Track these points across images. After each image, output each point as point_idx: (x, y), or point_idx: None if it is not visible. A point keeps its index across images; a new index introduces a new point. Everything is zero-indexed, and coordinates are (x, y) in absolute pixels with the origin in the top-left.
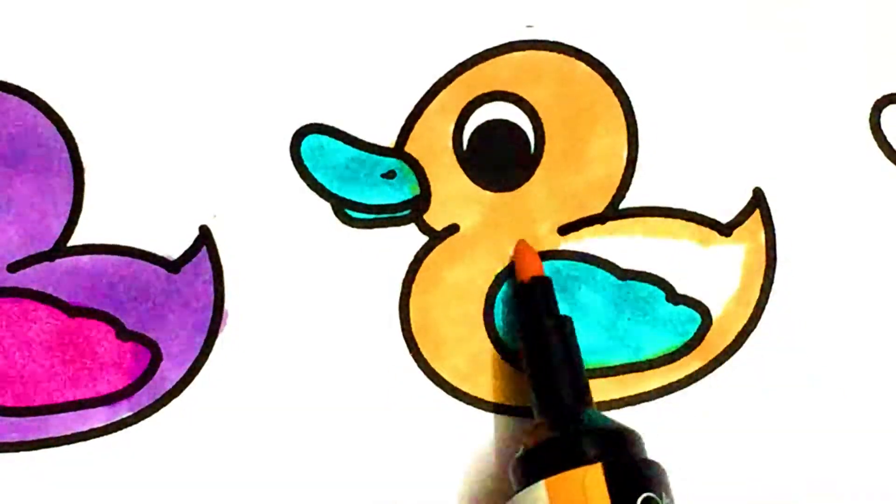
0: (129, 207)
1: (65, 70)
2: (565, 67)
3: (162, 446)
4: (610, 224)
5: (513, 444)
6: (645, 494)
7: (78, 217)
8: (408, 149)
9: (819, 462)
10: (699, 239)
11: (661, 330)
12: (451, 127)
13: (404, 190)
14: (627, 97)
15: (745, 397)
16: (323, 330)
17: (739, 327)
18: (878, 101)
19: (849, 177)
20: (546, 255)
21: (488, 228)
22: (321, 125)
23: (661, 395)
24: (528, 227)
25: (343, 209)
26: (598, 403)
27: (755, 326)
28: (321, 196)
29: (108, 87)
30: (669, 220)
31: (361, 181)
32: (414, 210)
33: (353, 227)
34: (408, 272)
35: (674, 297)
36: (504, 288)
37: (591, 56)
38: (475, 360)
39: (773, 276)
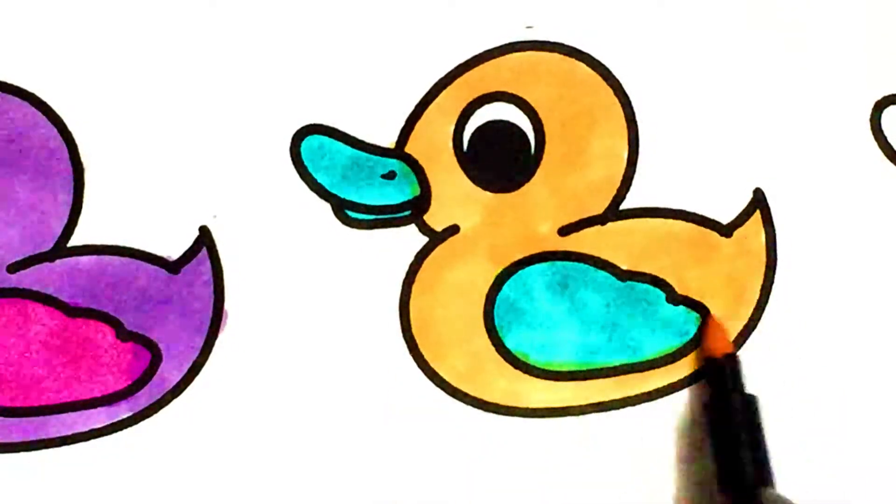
0: (130, 208)
1: (65, 71)
2: (565, 68)
3: (162, 447)
4: (611, 225)
5: (509, 444)
6: None
7: (78, 217)
8: (408, 149)
9: (818, 461)
10: (699, 239)
11: (662, 330)
12: (452, 128)
13: (405, 190)
14: (628, 98)
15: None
16: (322, 330)
17: (739, 328)
18: (878, 101)
19: (849, 177)
20: (547, 256)
21: (489, 229)
22: (321, 126)
23: (662, 396)
24: (529, 227)
25: (343, 210)
26: (599, 404)
27: (755, 327)
28: (321, 197)
29: (109, 87)
30: (670, 221)
31: (362, 182)
32: (414, 211)
33: (353, 227)
34: (408, 273)
35: (674, 297)
36: (504, 289)
37: (591, 56)
38: (475, 361)
39: (773, 277)
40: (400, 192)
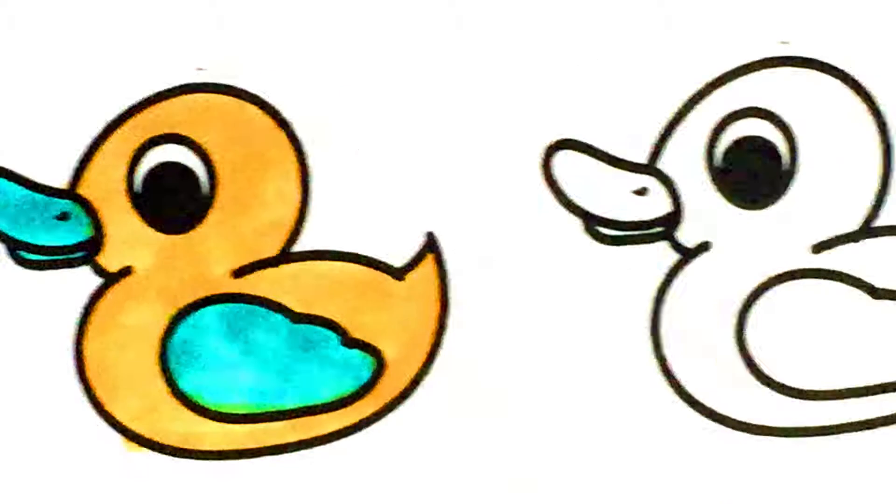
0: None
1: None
2: (236, 110)
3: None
4: (284, 267)
5: (184, 487)
6: None
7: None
8: (81, 190)
9: None
10: (372, 282)
11: (335, 373)
12: (124, 169)
13: (78, 231)
14: (299, 141)
15: (420, 441)
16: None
17: (413, 372)
18: (549, 145)
19: (520, 219)
20: (220, 298)
21: (162, 271)
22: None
23: (337, 439)
24: (202, 269)
25: (16, 251)
26: (274, 447)
27: (429, 370)
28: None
29: None
30: (342, 264)
31: (35, 222)
32: (88, 252)
33: (27, 268)
34: (82, 314)
35: (347, 341)
36: (179, 331)
37: (262, 99)
38: (150, 403)
39: (446, 320)
40: (73, 234)
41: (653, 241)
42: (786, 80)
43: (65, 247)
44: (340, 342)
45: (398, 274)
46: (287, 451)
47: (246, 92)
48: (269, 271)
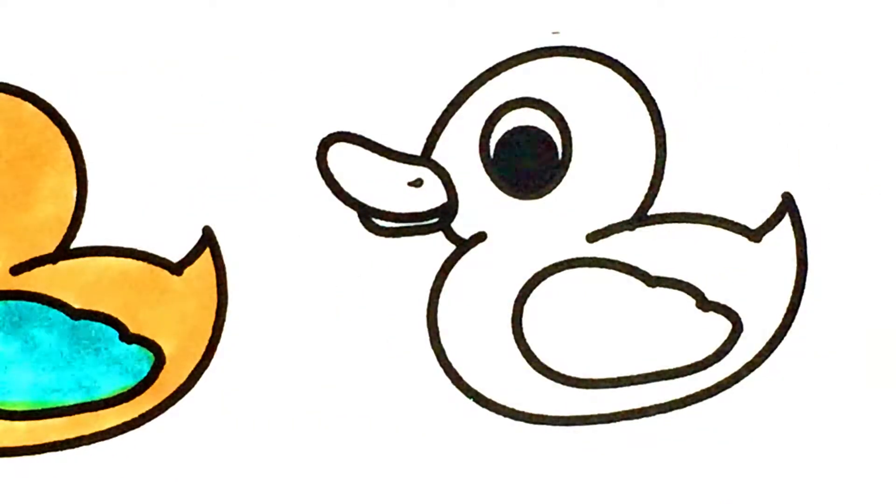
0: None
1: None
2: (11, 108)
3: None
4: (62, 264)
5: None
6: None
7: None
8: None
9: None
10: (151, 278)
11: (115, 369)
12: None
13: None
14: (75, 138)
15: (200, 435)
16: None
17: (192, 366)
18: (324, 138)
19: (296, 212)
20: None
21: None
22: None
23: (117, 434)
24: None
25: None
26: (54, 443)
27: (208, 364)
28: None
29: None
30: (121, 260)
31: None
32: None
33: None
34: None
35: (127, 336)
36: None
37: (37, 96)
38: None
39: (224, 314)
40: None
41: (429, 233)
42: (558, 70)
43: None
44: (119, 338)
45: (176, 269)
46: (67, 448)
47: (21, 89)
48: (47, 268)
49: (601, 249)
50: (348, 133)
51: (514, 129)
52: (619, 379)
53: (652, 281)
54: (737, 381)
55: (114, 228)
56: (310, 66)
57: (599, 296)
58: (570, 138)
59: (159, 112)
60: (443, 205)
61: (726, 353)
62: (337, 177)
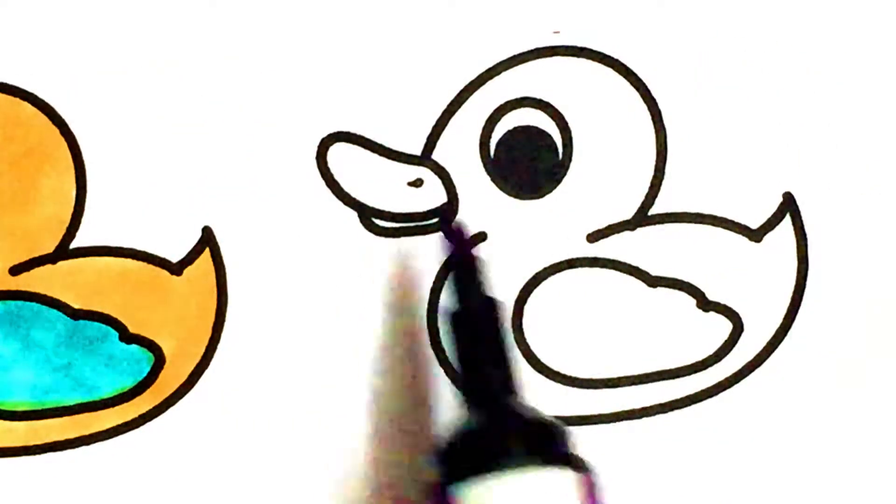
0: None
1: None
2: (10, 108)
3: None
4: (62, 264)
5: None
6: None
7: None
8: None
9: None
10: (150, 278)
11: (115, 369)
12: None
13: None
14: (74, 137)
15: (200, 435)
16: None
17: (192, 366)
18: (324, 138)
19: (296, 212)
20: None
21: None
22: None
23: (117, 435)
24: None
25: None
26: (54, 444)
27: (208, 364)
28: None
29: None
30: (120, 260)
31: None
32: None
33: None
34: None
35: (127, 336)
36: None
37: (36, 96)
38: None
39: (224, 314)
40: None
41: (429, 233)
42: (558, 70)
43: None
44: (119, 338)
45: (175, 269)
46: (67, 448)
47: (20, 89)
48: (47, 268)
49: (601, 249)
50: (348, 133)
51: (514, 129)
52: (619, 379)
53: (652, 281)
54: (737, 381)
55: (113, 228)
56: (310, 66)
57: (599, 296)
58: (570, 138)
59: (159, 112)
60: (443, 204)
61: (727, 353)
62: (336, 176)
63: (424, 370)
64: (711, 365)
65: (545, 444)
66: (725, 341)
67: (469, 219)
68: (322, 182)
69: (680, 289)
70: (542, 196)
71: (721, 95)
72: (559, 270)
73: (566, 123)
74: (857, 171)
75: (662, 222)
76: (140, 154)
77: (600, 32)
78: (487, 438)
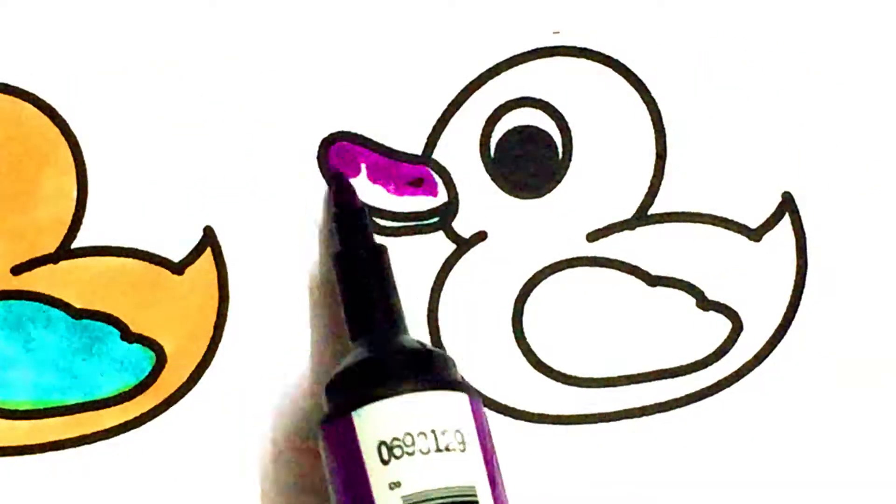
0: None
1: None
2: (11, 109)
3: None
4: (63, 263)
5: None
6: None
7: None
8: None
9: None
10: (151, 277)
11: (116, 368)
12: None
13: None
14: (76, 138)
15: (201, 434)
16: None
17: (193, 366)
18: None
19: (297, 212)
20: (1, 295)
21: None
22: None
23: (118, 434)
24: None
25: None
26: (55, 443)
27: (209, 364)
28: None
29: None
30: (122, 259)
31: None
32: None
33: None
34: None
35: (128, 335)
36: None
37: (37, 97)
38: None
39: (225, 314)
40: None
41: (429, 232)
42: (558, 70)
43: None
44: (120, 337)
45: (177, 268)
46: (68, 447)
47: (21, 90)
48: (48, 268)
49: (601, 249)
50: (349, 132)
51: (514, 129)
52: (618, 378)
53: (652, 280)
54: (737, 380)
55: (115, 228)
56: (310, 66)
57: (599, 295)
58: (570, 138)
59: (159, 112)
60: (443, 204)
61: (726, 352)
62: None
63: None
64: (711, 364)
65: (432, 370)
66: (725, 340)
67: (469, 219)
68: (323, 181)
69: (679, 288)
70: (542, 196)
71: (721, 95)
72: (559, 270)
73: (566, 123)
74: (857, 171)
75: (662, 222)
76: (141, 154)
77: (600, 33)
78: (376, 367)
